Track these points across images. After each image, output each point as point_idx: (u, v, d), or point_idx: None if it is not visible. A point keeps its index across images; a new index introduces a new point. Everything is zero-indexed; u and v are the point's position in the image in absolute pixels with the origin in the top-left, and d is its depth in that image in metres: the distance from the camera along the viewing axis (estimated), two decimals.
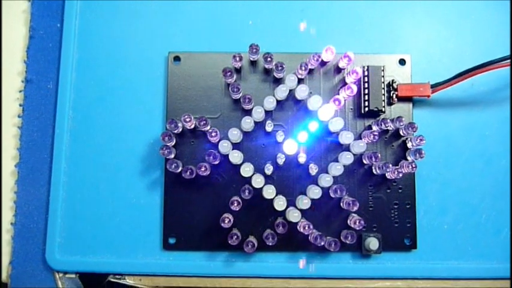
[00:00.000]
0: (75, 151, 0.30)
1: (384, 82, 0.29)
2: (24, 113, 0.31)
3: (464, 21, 0.31)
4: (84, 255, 0.29)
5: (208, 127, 0.28)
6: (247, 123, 0.28)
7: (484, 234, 0.30)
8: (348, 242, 0.28)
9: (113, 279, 0.29)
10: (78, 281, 0.29)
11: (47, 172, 0.30)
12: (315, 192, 0.27)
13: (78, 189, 0.30)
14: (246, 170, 0.28)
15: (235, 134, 0.28)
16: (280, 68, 0.28)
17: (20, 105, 0.31)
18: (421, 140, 0.28)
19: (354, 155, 0.28)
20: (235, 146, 0.29)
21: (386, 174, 0.29)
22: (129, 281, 0.29)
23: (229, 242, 0.27)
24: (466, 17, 0.31)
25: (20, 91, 0.31)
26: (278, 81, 0.30)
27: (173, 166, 0.28)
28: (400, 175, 0.28)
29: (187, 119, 0.28)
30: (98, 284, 0.29)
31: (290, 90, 0.29)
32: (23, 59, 0.31)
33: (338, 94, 0.29)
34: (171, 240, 0.29)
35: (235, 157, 0.28)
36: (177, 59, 0.30)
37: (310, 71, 0.30)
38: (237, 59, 0.29)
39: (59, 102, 0.30)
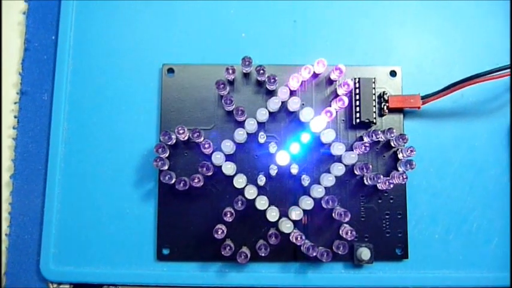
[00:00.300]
0: (69, 162, 0.30)
1: (375, 94, 0.30)
2: (19, 124, 0.31)
3: (455, 33, 0.32)
4: (79, 266, 0.29)
5: (202, 139, 0.29)
6: (240, 134, 0.28)
7: (474, 244, 0.30)
8: (340, 252, 0.28)
9: None
10: None
11: (41, 183, 0.30)
12: (307, 203, 0.28)
13: (72, 200, 0.30)
14: (239, 181, 0.28)
15: (228, 146, 0.28)
16: (272, 80, 0.29)
17: (15, 116, 0.31)
18: (411, 151, 0.28)
19: (345, 166, 0.28)
20: (228, 157, 0.29)
21: (378, 185, 0.29)
22: None
23: (223, 253, 0.28)
24: (456, 29, 0.32)
25: (15, 103, 0.31)
26: (271, 93, 0.30)
27: (167, 177, 0.28)
28: (391, 186, 0.28)
29: (181, 131, 0.28)
30: None
31: (282, 102, 0.29)
32: (18, 71, 0.32)
33: (330, 106, 0.29)
34: (165, 251, 0.29)
35: (228, 168, 0.28)
36: (170, 71, 0.30)
37: (302, 84, 0.30)
38: (230, 71, 0.29)
39: (54, 113, 0.31)
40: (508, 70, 0.28)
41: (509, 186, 0.30)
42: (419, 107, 0.30)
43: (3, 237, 0.30)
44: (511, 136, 0.30)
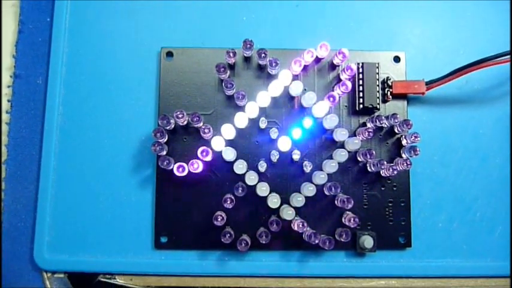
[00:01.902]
0: (64, 148, 0.29)
1: (378, 79, 0.29)
2: (12, 108, 0.30)
3: (459, 18, 0.31)
4: (74, 255, 0.28)
5: (201, 123, 0.28)
6: (241, 119, 0.28)
7: (478, 232, 0.29)
8: (342, 240, 0.27)
9: (102, 279, 0.29)
10: (67, 281, 0.29)
11: (35, 169, 0.29)
12: (309, 189, 0.27)
13: (67, 186, 0.29)
14: (240, 167, 0.27)
15: (228, 131, 0.27)
16: (274, 64, 0.28)
17: (9, 100, 0.30)
18: (415, 137, 0.28)
19: (348, 152, 0.28)
20: (229, 143, 0.28)
21: (381, 172, 0.28)
22: (119, 280, 0.29)
23: (222, 240, 0.27)
24: (461, 14, 0.31)
25: (9, 86, 0.30)
26: (272, 78, 0.29)
27: (165, 163, 0.27)
28: (395, 173, 0.28)
29: (180, 115, 0.27)
30: (88, 284, 0.29)
31: (284, 87, 0.29)
32: (12, 54, 0.31)
33: (333, 91, 0.29)
34: (163, 239, 0.28)
35: (229, 154, 0.27)
36: (169, 54, 0.30)
37: (305, 68, 0.29)
38: (231, 54, 0.28)
39: (48, 97, 0.30)
40: None
41: None
42: (423, 93, 0.29)
43: None
44: (511, 125, 0.30)
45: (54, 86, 0.30)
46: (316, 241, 0.27)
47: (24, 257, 0.29)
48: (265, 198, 0.27)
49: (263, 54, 0.28)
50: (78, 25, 0.30)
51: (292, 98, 0.29)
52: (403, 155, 0.29)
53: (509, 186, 0.30)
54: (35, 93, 0.30)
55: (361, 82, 0.29)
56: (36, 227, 0.29)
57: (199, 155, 0.27)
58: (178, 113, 0.27)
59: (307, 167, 0.28)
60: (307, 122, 0.28)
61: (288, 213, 0.27)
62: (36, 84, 0.30)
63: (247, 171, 0.28)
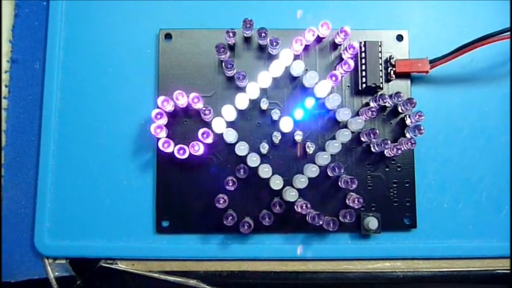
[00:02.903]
0: (63, 133, 0.29)
1: (381, 58, 0.28)
2: (10, 94, 0.30)
3: None
4: (75, 240, 0.28)
5: (201, 105, 0.27)
6: (242, 100, 0.27)
7: (484, 213, 0.29)
8: (346, 221, 0.27)
9: (104, 264, 0.28)
10: (68, 266, 0.28)
11: (34, 155, 0.29)
12: (312, 170, 0.27)
13: (67, 172, 0.29)
14: (241, 148, 0.27)
15: (229, 112, 0.27)
16: (275, 43, 0.28)
17: (6, 86, 0.30)
18: (420, 116, 0.27)
19: (351, 132, 0.27)
20: (229, 124, 0.28)
21: (385, 152, 0.28)
22: (121, 265, 0.28)
23: (225, 222, 0.27)
24: None
25: (6, 72, 0.30)
26: (273, 58, 0.29)
27: (165, 145, 0.27)
28: (399, 152, 0.27)
29: (180, 97, 0.27)
30: (89, 269, 0.28)
31: (285, 68, 0.28)
32: (9, 39, 0.30)
33: (335, 70, 0.28)
34: (164, 223, 0.28)
35: (230, 135, 0.27)
36: (168, 36, 0.29)
37: (306, 48, 0.29)
38: (231, 34, 0.28)
39: (46, 82, 0.29)
40: None
41: None
42: (427, 72, 0.28)
43: None
44: (511, 104, 0.29)
45: (52, 70, 0.29)
46: (320, 222, 0.26)
47: (25, 244, 0.29)
48: (268, 180, 0.27)
49: (263, 34, 0.27)
50: (74, 8, 0.30)
51: (293, 78, 0.29)
52: (407, 135, 0.28)
53: None
54: (33, 78, 0.30)
55: (363, 61, 0.28)
56: (36, 213, 0.28)
57: (200, 136, 0.27)
58: (178, 93, 0.27)
59: (310, 148, 0.28)
60: (309, 102, 0.28)
61: (291, 194, 0.27)
62: (34, 69, 0.30)
63: (248, 153, 0.27)
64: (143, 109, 0.29)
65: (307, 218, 0.27)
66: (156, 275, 0.28)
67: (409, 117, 0.28)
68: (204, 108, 0.27)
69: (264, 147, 0.28)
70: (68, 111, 0.29)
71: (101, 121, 0.29)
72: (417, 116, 0.27)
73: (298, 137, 0.28)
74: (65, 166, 0.29)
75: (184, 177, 0.28)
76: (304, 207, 0.26)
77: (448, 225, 0.29)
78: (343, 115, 0.27)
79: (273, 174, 0.27)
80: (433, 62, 0.28)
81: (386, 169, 0.29)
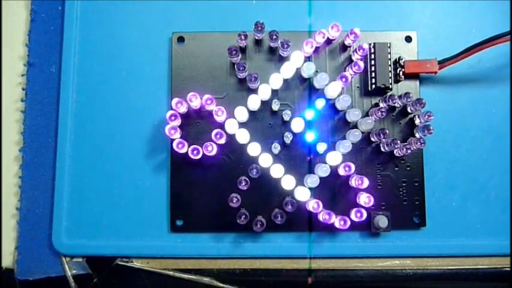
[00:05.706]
0: (79, 134, 0.30)
1: (390, 59, 0.29)
2: (27, 97, 0.30)
3: None
4: (91, 239, 0.29)
5: (214, 106, 0.28)
6: (254, 102, 0.28)
7: (493, 211, 0.29)
8: (357, 219, 0.27)
9: (120, 262, 0.29)
10: (85, 264, 0.29)
11: (51, 156, 0.30)
12: (323, 169, 0.27)
13: (83, 172, 0.29)
14: (253, 148, 0.27)
15: (241, 113, 0.28)
16: (286, 46, 0.28)
17: (23, 89, 0.31)
18: (429, 116, 0.28)
19: (361, 133, 0.28)
20: (242, 125, 0.28)
21: (395, 152, 0.29)
22: (136, 264, 0.29)
23: (238, 221, 0.27)
24: None
25: (23, 75, 0.31)
26: (284, 60, 0.29)
27: (179, 146, 0.27)
28: (409, 152, 0.28)
29: (193, 98, 0.27)
30: (106, 267, 0.29)
31: (296, 69, 0.29)
32: (25, 43, 0.31)
33: (345, 71, 0.29)
34: (179, 222, 0.29)
35: (242, 136, 0.28)
36: (181, 39, 0.30)
37: (316, 50, 0.29)
38: (242, 37, 0.28)
39: (62, 85, 0.30)
40: None
41: None
42: (436, 72, 0.29)
43: (14, 211, 0.30)
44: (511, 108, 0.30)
45: (68, 73, 0.30)
46: (332, 221, 0.27)
47: (43, 243, 0.29)
48: (280, 179, 0.27)
49: (274, 36, 0.28)
50: (89, 12, 0.31)
51: (304, 79, 0.29)
52: (417, 135, 0.29)
53: None
54: (49, 81, 0.30)
55: (373, 62, 0.29)
56: (54, 212, 0.29)
57: (213, 137, 0.27)
58: (192, 95, 0.27)
59: (321, 148, 0.28)
60: (320, 103, 0.28)
61: (302, 193, 0.27)
62: (50, 73, 0.30)
63: (260, 153, 0.28)
64: (157, 111, 0.30)
65: (318, 217, 0.27)
66: (170, 273, 0.29)
67: (418, 117, 0.29)
68: (216, 110, 0.28)
69: (276, 148, 0.28)
70: (84, 113, 0.30)
71: (116, 123, 0.30)
72: (426, 116, 0.28)
73: (310, 137, 0.28)
74: (81, 167, 0.29)
75: (197, 177, 0.29)
76: (315, 207, 0.27)
77: (457, 224, 0.29)
78: (353, 115, 0.28)
79: (284, 174, 0.27)
80: (442, 63, 0.29)
81: (396, 168, 0.29)
